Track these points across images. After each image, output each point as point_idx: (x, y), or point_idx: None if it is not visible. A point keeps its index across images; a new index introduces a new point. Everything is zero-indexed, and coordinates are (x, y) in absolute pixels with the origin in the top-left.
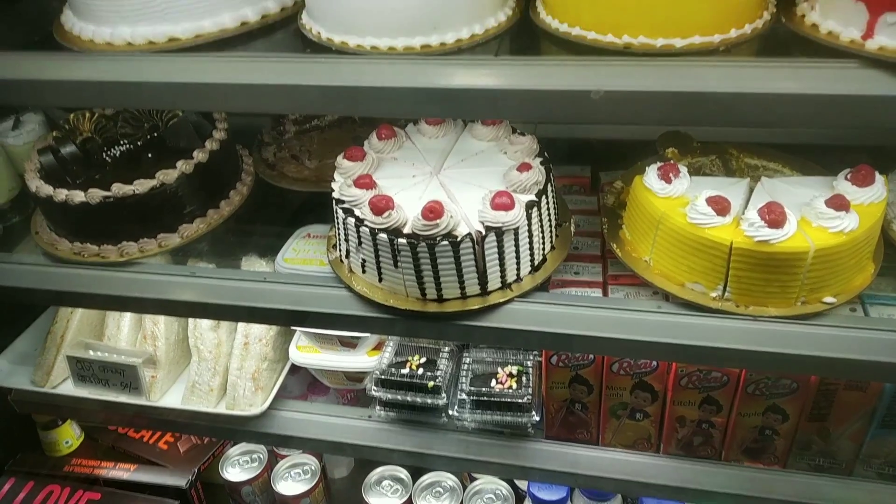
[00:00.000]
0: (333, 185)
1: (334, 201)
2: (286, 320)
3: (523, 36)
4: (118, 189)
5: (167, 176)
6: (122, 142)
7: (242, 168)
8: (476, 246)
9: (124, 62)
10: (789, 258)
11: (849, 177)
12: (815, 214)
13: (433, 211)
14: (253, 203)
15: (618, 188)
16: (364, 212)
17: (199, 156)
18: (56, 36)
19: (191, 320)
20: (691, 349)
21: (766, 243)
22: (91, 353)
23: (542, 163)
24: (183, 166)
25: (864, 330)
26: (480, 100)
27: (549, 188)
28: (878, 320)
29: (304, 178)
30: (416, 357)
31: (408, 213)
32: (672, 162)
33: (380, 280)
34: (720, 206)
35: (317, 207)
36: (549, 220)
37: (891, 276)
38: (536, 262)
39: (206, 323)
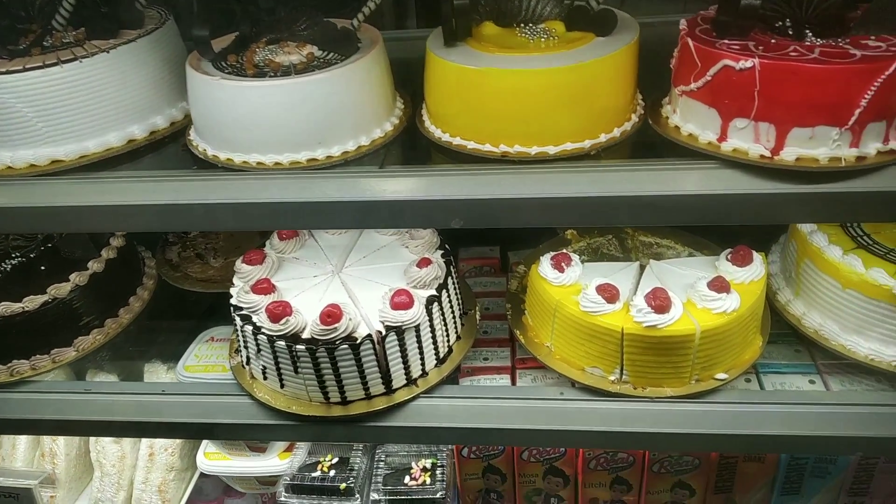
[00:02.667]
0: (232, 291)
1: (232, 308)
2: (189, 433)
3: (409, 145)
4: (6, 308)
5: (59, 290)
6: (13, 255)
7: (144, 271)
8: (377, 346)
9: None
10: (677, 341)
11: (729, 257)
12: (699, 297)
13: (331, 315)
14: (155, 307)
15: (521, 272)
16: (261, 319)
17: (95, 266)
18: None
19: None
20: (594, 435)
21: (654, 328)
22: None
23: (443, 255)
24: (76, 278)
25: (756, 405)
26: (365, 211)
27: (450, 281)
28: (769, 393)
29: (208, 279)
30: (329, 457)
31: (307, 316)
32: (564, 251)
33: (281, 386)
34: (609, 293)
35: (222, 308)
36: (453, 312)
37: (781, 344)
38: (442, 355)
39: None
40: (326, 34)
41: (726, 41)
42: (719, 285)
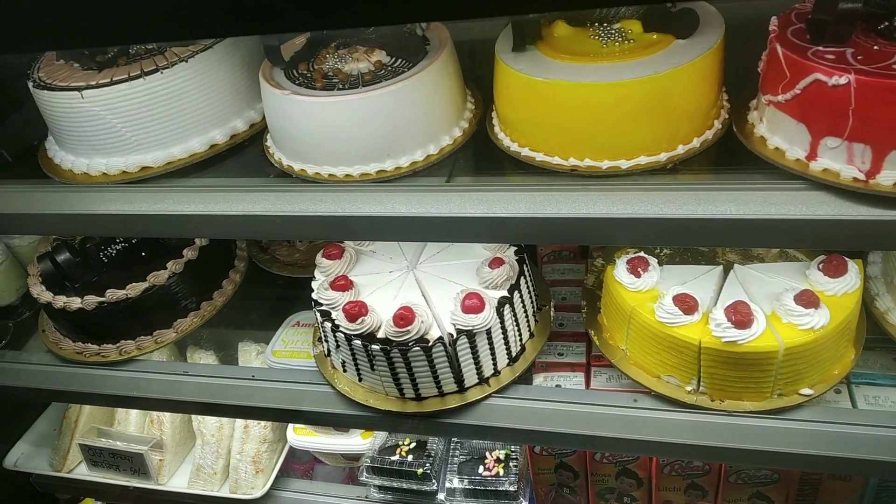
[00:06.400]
0: (314, 284)
1: (313, 302)
2: (275, 418)
3: (477, 154)
4: (112, 294)
5: (158, 277)
6: (117, 240)
7: (236, 254)
8: (448, 348)
9: (100, 195)
10: (759, 357)
11: (821, 267)
12: (785, 311)
13: (403, 318)
14: (247, 289)
15: (598, 266)
16: (339, 317)
17: (189, 253)
18: (41, 164)
19: None
20: (667, 446)
21: (734, 343)
22: (102, 440)
23: (516, 252)
24: (173, 266)
25: (842, 425)
26: (431, 225)
27: (523, 280)
28: (857, 413)
29: (294, 262)
30: (408, 440)
31: (382, 315)
32: (641, 255)
33: (359, 380)
34: (686, 305)
35: (306, 293)
36: (525, 311)
37: (879, 351)
38: (514, 354)
39: None
40: (394, 38)
41: (821, 48)
42: (807, 300)
